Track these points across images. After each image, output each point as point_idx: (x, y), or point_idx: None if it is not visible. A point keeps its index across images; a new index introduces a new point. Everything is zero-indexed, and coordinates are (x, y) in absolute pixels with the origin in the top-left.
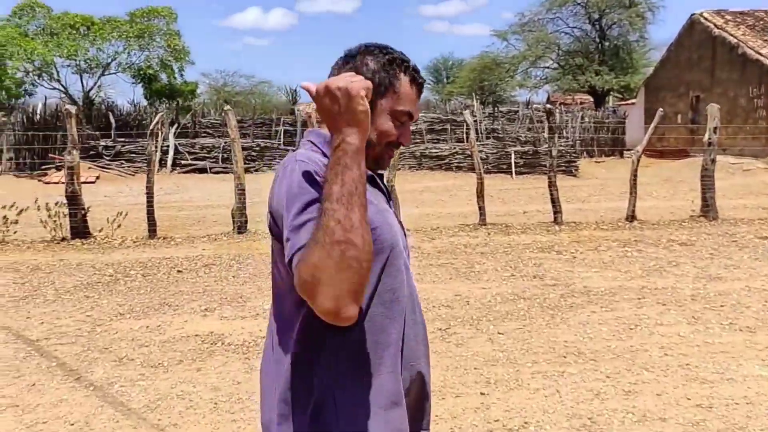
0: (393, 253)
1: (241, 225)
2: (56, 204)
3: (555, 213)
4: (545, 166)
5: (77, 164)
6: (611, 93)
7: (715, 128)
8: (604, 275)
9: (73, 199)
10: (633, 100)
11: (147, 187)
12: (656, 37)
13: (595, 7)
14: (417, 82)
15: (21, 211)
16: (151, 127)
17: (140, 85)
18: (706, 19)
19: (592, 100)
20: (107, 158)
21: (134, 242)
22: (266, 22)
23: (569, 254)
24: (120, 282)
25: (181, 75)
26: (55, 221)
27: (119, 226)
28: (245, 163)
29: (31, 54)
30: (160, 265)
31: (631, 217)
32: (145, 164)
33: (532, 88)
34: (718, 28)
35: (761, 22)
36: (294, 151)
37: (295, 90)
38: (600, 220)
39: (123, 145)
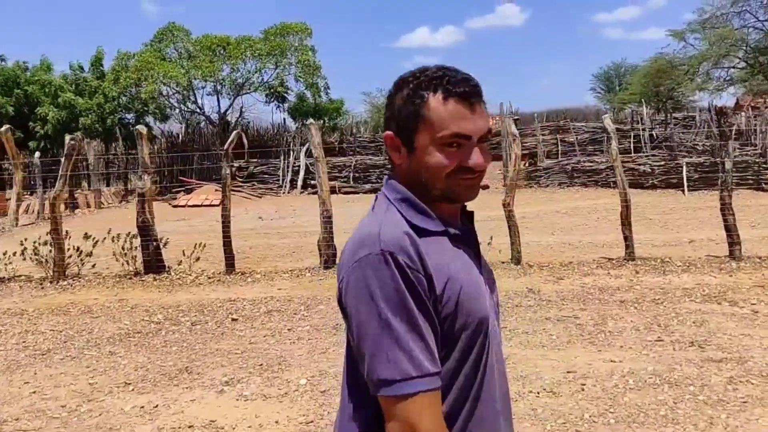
0: (486, 332)
1: (327, 258)
2: (128, 235)
3: (731, 244)
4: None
5: (149, 190)
6: None
7: None
8: None
9: (145, 230)
10: None
11: (223, 215)
12: None
13: None
14: (456, 95)
15: (96, 242)
16: (225, 146)
17: (273, 103)
18: None
19: None
20: (240, 179)
21: (209, 278)
22: (434, 40)
23: (748, 307)
24: (161, 333)
25: (327, 93)
26: (125, 254)
27: (198, 258)
28: (363, 183)
29: (165, 77)
30: (219, 309)
31: None
32: (277, 185)
33: (714, 90)
34: None
35: None
36: (376, 206)
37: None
38: None
39: (255, 166)
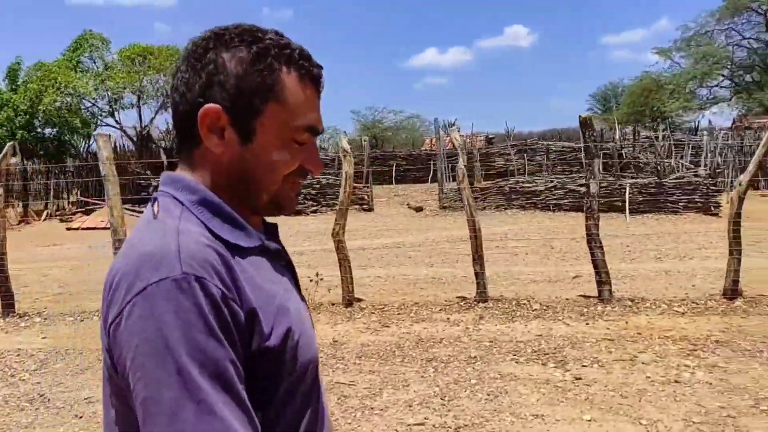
0: (315, 373)
1: None
2: None
3: (599, 283)
4: (673, 203)
5: None
6: None
7: None
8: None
9: None
10: None
11: None
12: None
13: None
14: (313, 77)
15: None
16: None
17: None
18: None
19: None
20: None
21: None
22: (443, 60)
23: (575, 371)
24: None
25: None
26: None
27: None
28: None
29: (67, 87)
30: None
31: (732, 292)
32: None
33: (698, 109)
34: None
35: None
36: (160, 211)
37: (453, 123)
38: (682, 295)
39: None
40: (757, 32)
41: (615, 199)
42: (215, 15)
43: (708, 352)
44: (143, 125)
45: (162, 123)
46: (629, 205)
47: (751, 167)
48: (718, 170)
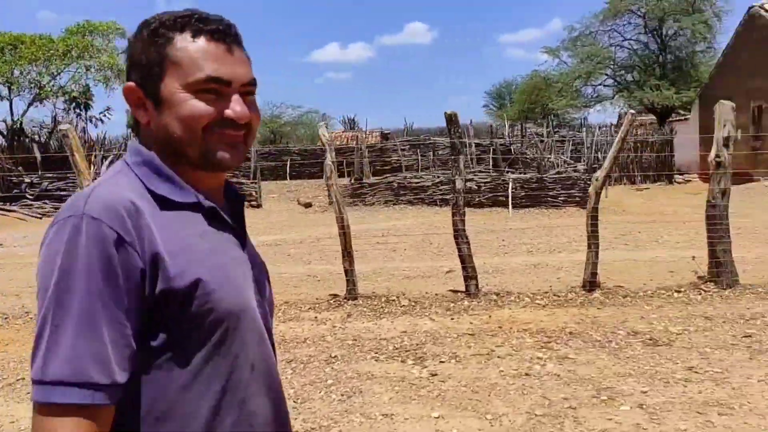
0: (236, 324)
1: None
2: None
3: (466, 278)
4: (553, 197)
5: None
6: (674, 111)
7: (727, 139)
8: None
9: None
10: (688, 116)
11: None
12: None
13: (654, 16)
14: (209, 32)
15: None
16: None
17: (73, 112)
18: (767, 11)
19: (654, 119)
20: (30, 198)
21: None
22: (345, 55)
23: (432, 367)
24: None
25: None
26: None
27: None
28: None
29: None
30: None
31: (590, 284)
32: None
33: (583, 107)
34: None
35: None
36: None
37: (353, 118)
38: (546, 288)
39: (51, 182)
40: (637, 34)
41: (499, 193)
42: (106, 3)
43: (561, 343)
44: (14, 118)
45: (37, 116)
46: (513, 200)
47: (606, 164)
48: (594, 165)
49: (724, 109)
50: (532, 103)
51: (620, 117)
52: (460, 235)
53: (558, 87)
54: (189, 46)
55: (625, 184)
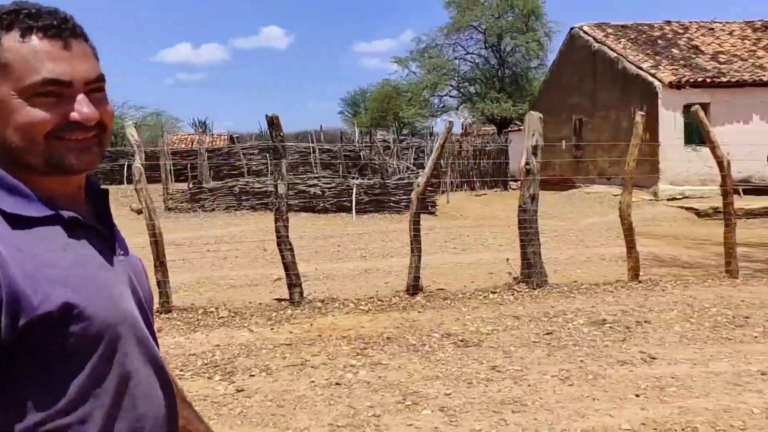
0: (116, 335)
1: None
2: None
3: (290, 286)
4: (395, 202)
5: None
6: (512, 122)
7: (536, 148)
8: None
9: None
10: (522, 126)
11: None
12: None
13: (493, 33)
14: (41, 29)
15: None
16: None
17: None
18: (586, 32)
19: (495, 130)
20: None
21: None
22: (197, 56)
23: (260, 370)
24: None
25: None
26: None
27: None
28: None
29: None
30: None
31: (413, 288)
32: None
33: (430, 116)
34: (598, 42)
35: (644, 35)
36: None
37: (204, 121)
38: (373, 293)
39: None
40: (479, 48)
41: (343, 199)
42: None
43: (377, 349)
44: None
45: None
46: (357, 205)
47: (427, 170)
48: (434, 172)
49: (533, 119)
50: (384, 111)
51: (464, 128)
52: (283, 242)
53: (407, 96)
54: (19, 46)
55: (465, 190)
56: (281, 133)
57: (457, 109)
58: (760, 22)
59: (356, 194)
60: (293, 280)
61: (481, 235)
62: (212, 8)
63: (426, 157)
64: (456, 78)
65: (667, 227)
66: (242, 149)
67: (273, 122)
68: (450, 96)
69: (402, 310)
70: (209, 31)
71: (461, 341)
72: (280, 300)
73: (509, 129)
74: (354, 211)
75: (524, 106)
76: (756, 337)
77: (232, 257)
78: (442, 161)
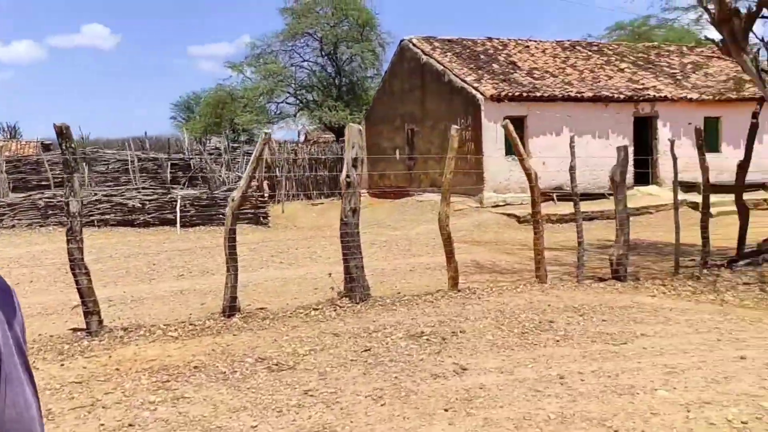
0: None
1: None
2: None
3: (86, 314)
4: (225, 215)
5: None
6: None
7: (356, 160)
8: None
9: None
10: None
11: None
12: None
13: (329, 41)
14: None
15: None
16: None
17: None
18: (414, 45)
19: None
20: None
21: None
22: (6, 53)
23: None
24: None
25: None
26: None
27: None
28: None
29: None
30: None
31: (230, 309)
32: None
33: (267, 123)
34: (426, 54)
35: (468, 50)
36: None
37: (14, 126)
38: (185, 317)
39: None
40: (315, 56)
41: (167, 212)
42: None
43: (182, 381)
44: None
45: None
46: (182, 218)
47: (242, 183)
48: (267, 182)
49: (353, 131)
50: (218, 117)
51: (305, 136)
52: (77, 266)
53: (243, 102)
54: None
55: (302, 199)
56: (72, 145)
57: (294, 116)
58: (568, 42)
59: (181, 206)
60: (90, 308)
61: (311, 247)
62: (24, 2)
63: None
64: (293, 85)
65: (492, 233)
66: (50, 158)
67: (62, 132)
68: (287, 103)
69: (216, 334)
70: (21, 27)
71: (276, 365)
72: (75, 330)
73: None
74: (179, 225)
75: (361, 114)
76: (558, 341)
77: (26, 281)
78: (277, 171)
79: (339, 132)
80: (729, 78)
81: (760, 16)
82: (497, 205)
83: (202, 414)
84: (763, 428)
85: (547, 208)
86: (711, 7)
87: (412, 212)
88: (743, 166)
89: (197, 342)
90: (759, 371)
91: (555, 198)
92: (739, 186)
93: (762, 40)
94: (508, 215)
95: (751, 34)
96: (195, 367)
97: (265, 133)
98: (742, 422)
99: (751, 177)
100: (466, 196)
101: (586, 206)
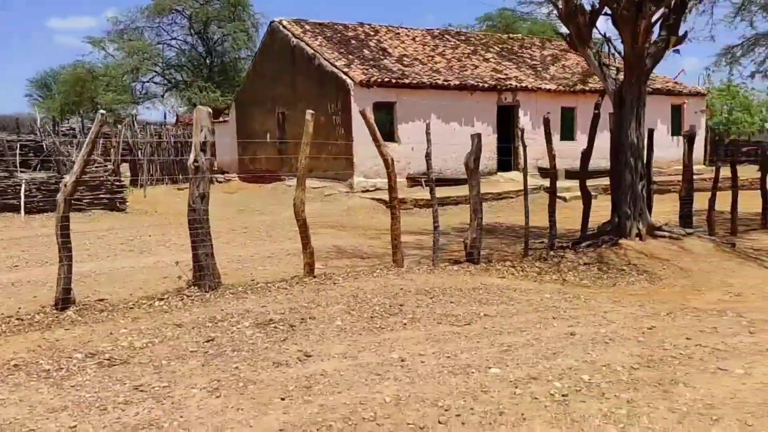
0: None
1: None
2: None
3: None
4: (77, 199)
5: None
6: (223, 112)
7: (204, 144)
8: None
9: None
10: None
11: None
12: None
13: (199, 19)
14: None
15: None
16: None
17: None
18: (285, 27)
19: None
20: None
21: None
22: None
23: None
24: None
25: None
26: None
27: None
28: None
29: None
30: None
31: (63, 301)
32: None
33: (131, 103)
34: (296, 37)
35: (339, 35)
36: None
37: None
38: (13, 311)
39: None
40: (185, 35)
41: (10, 197)
42: None
43: None
44: None
45: None
46: (27, 204)
47: (75, 167)
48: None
49: (201, 114)
50: (78, 95)
51: (178, 117)
52: None
53: (105, 80)
54: None
55: (167, 183)
56: None
57: (162, 96)
58: (438, 30)
59: (26, 191)
60: None
61: (167, 234)
62: None
63: (113, 150)
64: (160, 64)
65: (360, 218)
66: None
67: None
68: (154, 82)
69: (45, 328)
70: None
71: (107, 360)
72: None
73: (219, 119)
74: (23, 211)
75: (233, 96)
76: (405, 324)
77: None
78: (139, 153)
79: (214, 114)
80: (583, 71)
81: (603, 13)
82: (367, 190)
83: (14, 417)
84: (580, 399)
85: (415, 193)
86: (559, 3)
87: (282, 196)
88: (586, 154)
89: (22, 338)
90: (585, 346)
91: (423, 183)
92: (584, 172)
93: (604, 35)
94: (378, 200)
95: (594, 30)
96: (15, 366)
97: (102, 114)
98: (563, 395)
99: (599, 164)
100: (336, 181)
101: (453, 191)
